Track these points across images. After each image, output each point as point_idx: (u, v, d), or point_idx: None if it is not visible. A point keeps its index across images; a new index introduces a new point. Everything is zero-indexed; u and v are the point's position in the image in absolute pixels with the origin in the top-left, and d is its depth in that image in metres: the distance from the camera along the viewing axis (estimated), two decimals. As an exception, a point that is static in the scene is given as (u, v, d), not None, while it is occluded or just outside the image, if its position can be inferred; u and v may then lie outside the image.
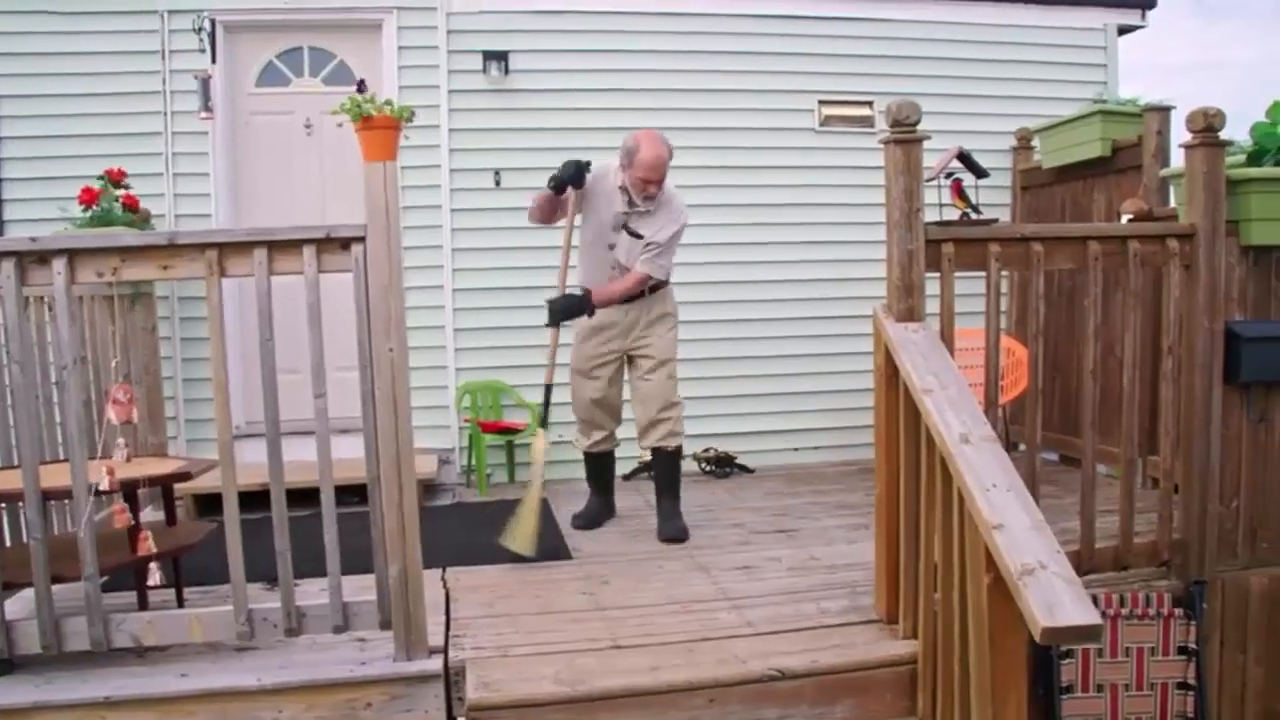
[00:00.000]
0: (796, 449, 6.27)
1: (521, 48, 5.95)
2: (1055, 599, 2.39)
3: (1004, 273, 4.88)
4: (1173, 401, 3.80)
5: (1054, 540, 2.58)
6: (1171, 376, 3.79)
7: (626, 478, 5.76)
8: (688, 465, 5.77)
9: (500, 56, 5.90)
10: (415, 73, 5.89)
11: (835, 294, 6.17)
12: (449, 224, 5.92)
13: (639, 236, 4.54)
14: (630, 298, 4.58)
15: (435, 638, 3.28)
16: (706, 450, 6.00)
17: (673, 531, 4.61)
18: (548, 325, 4.50)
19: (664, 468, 4.74)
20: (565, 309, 4.46)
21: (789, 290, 6.26)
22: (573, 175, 4.44)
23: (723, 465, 5.99)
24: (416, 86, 5.83)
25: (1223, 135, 3.73)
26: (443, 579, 4.00)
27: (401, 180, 5.64)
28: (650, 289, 4.64)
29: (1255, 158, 4.03)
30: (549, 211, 4.57)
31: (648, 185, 4.44)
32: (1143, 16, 6.76)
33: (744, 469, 6.04)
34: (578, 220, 4.63)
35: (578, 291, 4.56)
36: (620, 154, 4.50)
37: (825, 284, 6.23)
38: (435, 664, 3.12)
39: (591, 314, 4.53)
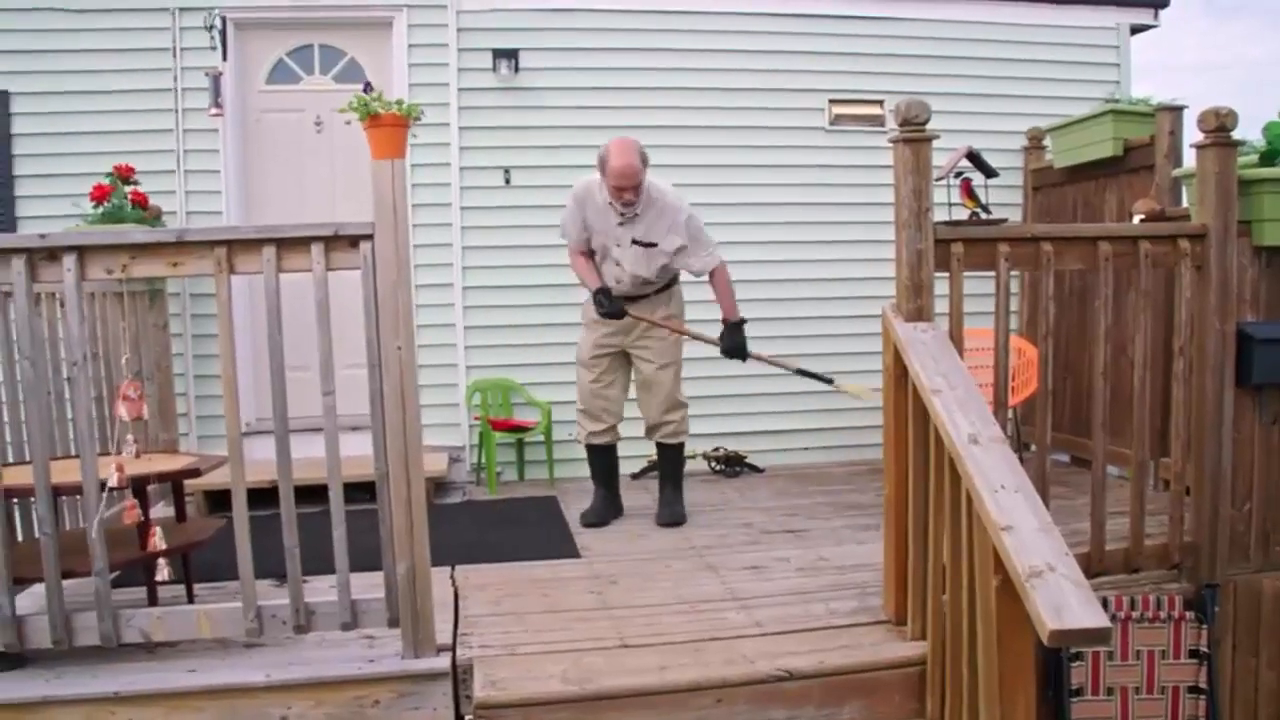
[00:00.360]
0: (806, 449, 6.26)
1: (531, 46, 5.95)
2: (1063, 601, 2.38)
3: (1015, 273, 4.88)
4: (1184, 403, 3.78)
5: (1062, 542, 2.57)
6: (1183, 378, 3.77)
7: (635, 476, 5.77)
8: (697, 465, 5.81)
9: (510, 55, 5.89)
10: (425, 70, 5.89)
11: (846, 293, 6.16)
12: (459, 222, 5.92)
13: (651, 245, 4.58)
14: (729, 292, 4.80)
15: (443, 636, 3.29)
16: (716, 449, 6.00)
17: (669, 516, 4.83)
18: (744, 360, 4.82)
19: (666, 459, 4.95)
20: (738, 337, 4.76)
21: (799, 289, 6.25)
22: (612, 310, 4.63)
23: (732, 465, 5.98)
24: (426, 84, 5.84)
25: (1235, 135, 3.71)
26: (451, 577, 4.00)
27: (411, 178, 5.68)
28: (657, 290, 4.73)
29: (1268, 158, 4.00)
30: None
31: (622, 193, 4.47)
32: (1155, 16, 6.73)
33: (753, 468, 6.04)
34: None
35: (714, 331, 4.78)
36: (597, 163, 4.54)
37: (836, 283, 6.22)
38: (443, 662, 3.13)
39: (744, 321, 4.79)
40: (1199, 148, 3.78)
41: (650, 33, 6.07)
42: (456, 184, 5.92)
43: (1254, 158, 3.99)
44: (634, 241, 4.57)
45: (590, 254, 4.72)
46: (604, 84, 5.99)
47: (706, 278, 4.75)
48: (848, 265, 6.16)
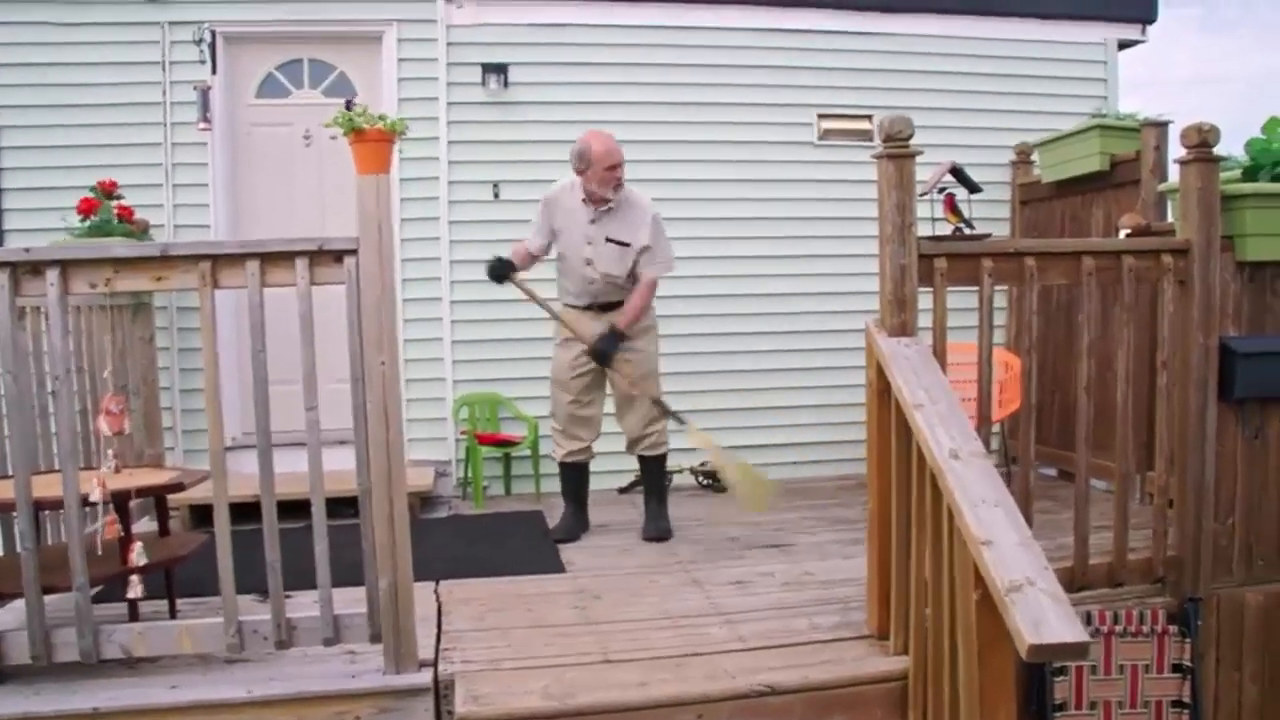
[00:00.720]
0: (795, 463, 6.25)
1: (521, 60, 5.97)
2: (1041, 616, 2.38)
3: (1004, 288, 4.89)
4: (1167, 417, 3.79)
5: (1042, 557, 2.57)
6: (1166, 392, 3.78)
7: (623, 490, 5.77)
8: (685, 479, 5.80)
9: (499, 69, 5.91)
10: (415, 85, 5.90)
11: (834, 307, 6.16)
12: (447, 236, 5.92)
13: (624, 244, 4.60)
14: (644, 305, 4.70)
15: (426, 651, 3.28)
16: (703, 464, 5.98)
17: (655, 531, 4.84)
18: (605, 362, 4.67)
19: (649, 472, 4.93)
20: (609, 347, 4.61)
21: (788, 304, 6.25)
22: (497, 272, 4.68)
23: (719, 479, 5.95)
24: (416, 99, 5.85)
25: (1224, 150, 3.73)
26: (435, 592, 3.99)
27: (401, 192, 5.71)
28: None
29: (1251, 173, 4.03)
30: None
31: (614, 172, 4.53)
32: (1143, 31, 6.77)
33: (741, 483, 6.01)
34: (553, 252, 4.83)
35: (604, 329, 4.67)
36: (574, 163, 4.59)
37: (825, 297, 6.22)
38: (425, 677, 3.12)
39: (625, 339, 4.64)
40: (1182, 163, 3.80)
41: (640, 48, 6.10)
42: (445, 198, 5.92)
43: (1237, 173, 4.01)
44: (608, 239, 4.60)
45: (534, 258, 4.77)
46: (593, 99, 5.98)
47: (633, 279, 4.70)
48: (838, 279, 6.16)
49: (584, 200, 4.62)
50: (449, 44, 5.94)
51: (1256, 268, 3.97)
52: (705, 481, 5.97)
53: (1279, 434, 3.99)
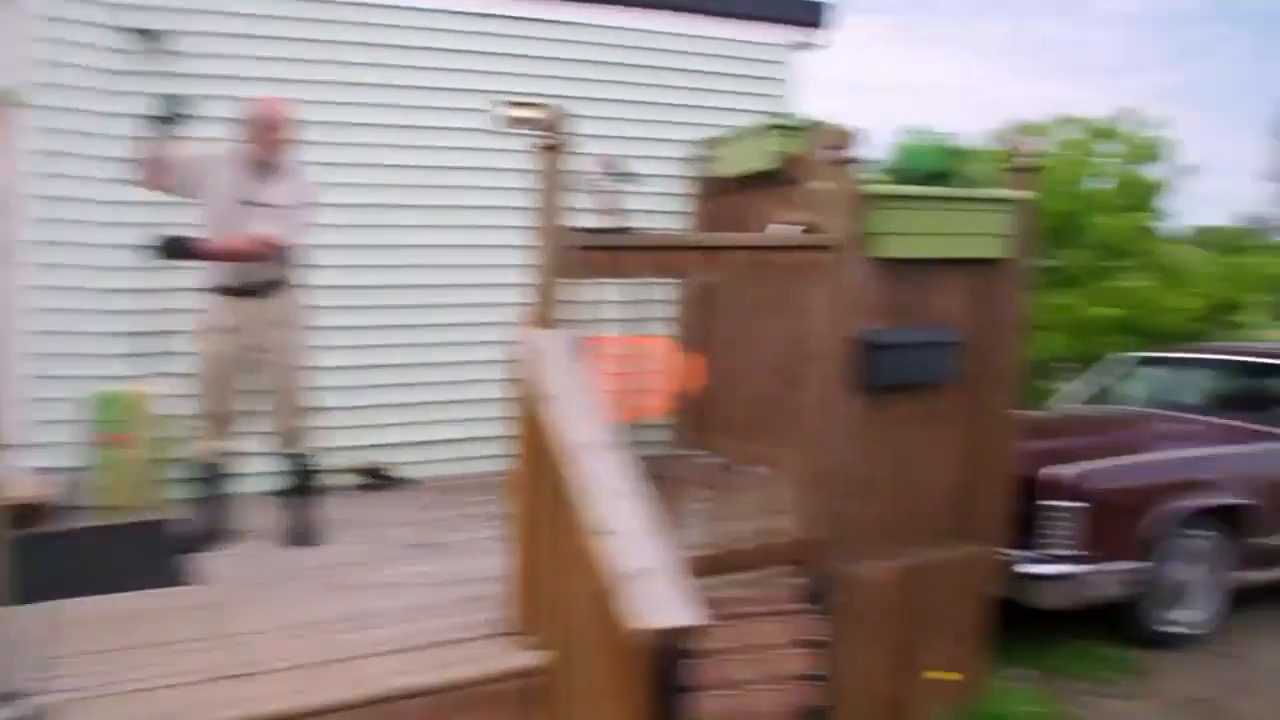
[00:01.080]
0: (463, 459, 5.99)
1: (184, 29, 5.42)
2: (661, 602, 2.47)
3: (677, 280, 4.98)
4: (809, 406, 3.98)
5: (666, 546, 2.63)
6: (808, 381, 3.97)
7: (270, 494, 5.35)
8: (340, 479, 5.47)
9: (157, 37, 5.38)
10: (58, 48, 5.25)
11: (500, 299, 5.91)
12: (95, 217, 5.27)
13: (264, 205, 4.33)
14: (251, 260, 4.33)
15: (28, 680, 2.93)
16: (363, 464, 5.70)
17: (299, 535, 4.58)
18: (159, 260, 4.25)
19: (295, 471, 4.66)
20: (171, 250, 4.23)
21: (453, 295, 6.04)
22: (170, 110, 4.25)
23: (376, 478, 5.72)
24: (64, 64, 5.22)
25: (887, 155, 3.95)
26: (46, 612, 3.56)
27: (43, 167, 5.11)
28: (274, 287, 4.44)
29: (899, 176, 4.30)
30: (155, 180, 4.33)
31: (277, 133, 4.35)
32: (822, 35, 7.00)
33: (400, 480, 5.80)
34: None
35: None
36: (244, 130, 4.35)
37: (491, 289, 5.88)
38: (15, 711, 2.78)
39: (194, 256, 4.28)
40: (831, 164, 4.00)
41: (307, 23, 5.70)
42: (97, 175, 5.19)
43: (886, 176, 4.27)
44: (251, 202, 4.32)
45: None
46: (255, 74, 5.41)
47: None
48: (504, 271, 5.91)
49: (244, 167, 4.34)
50: (99, 4, 5.35)
51: (894, 264, 4.22)
52: (362, 481, 5.68)
53: (912, 420, 4.28)
